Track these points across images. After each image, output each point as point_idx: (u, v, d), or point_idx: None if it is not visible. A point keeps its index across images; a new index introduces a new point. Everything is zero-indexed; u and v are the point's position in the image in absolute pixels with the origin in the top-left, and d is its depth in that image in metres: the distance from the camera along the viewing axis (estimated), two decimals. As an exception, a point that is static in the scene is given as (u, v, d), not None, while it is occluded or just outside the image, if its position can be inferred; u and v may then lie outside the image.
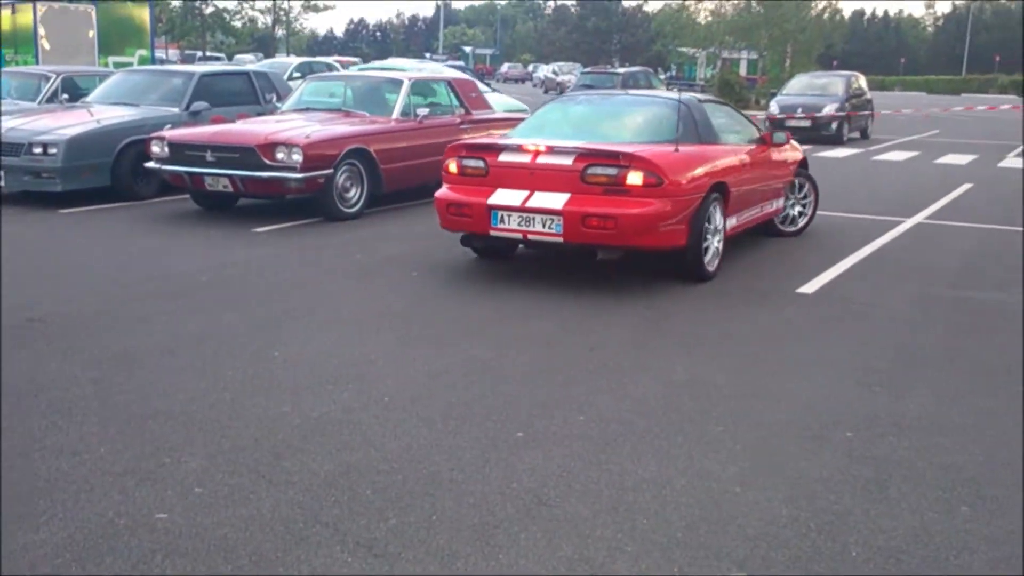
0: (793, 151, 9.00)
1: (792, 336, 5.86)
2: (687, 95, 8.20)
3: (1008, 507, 3.57)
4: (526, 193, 6.73)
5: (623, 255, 6.93)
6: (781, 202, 8.74)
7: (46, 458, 3.82)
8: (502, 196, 6.80)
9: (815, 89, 22.93)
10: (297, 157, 8.96)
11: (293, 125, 9.68)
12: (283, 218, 9.47)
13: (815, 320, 6.24)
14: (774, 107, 22.42)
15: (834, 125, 21.28)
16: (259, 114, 11.26)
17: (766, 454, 4.01)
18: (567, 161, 6.65)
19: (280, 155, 9.02)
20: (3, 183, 10.11)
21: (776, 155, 8.49)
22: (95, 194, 10.26)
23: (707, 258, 7.10)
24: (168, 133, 9.77)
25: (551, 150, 6.76)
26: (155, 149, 9.68)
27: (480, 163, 6.98)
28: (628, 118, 7.79)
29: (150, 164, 9.83)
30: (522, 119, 12.10)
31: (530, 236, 6.77)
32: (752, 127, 8.59)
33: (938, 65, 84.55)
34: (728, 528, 3.36)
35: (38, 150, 9.88)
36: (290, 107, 11.01)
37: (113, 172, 10.32)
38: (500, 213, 6.79)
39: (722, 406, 4.57)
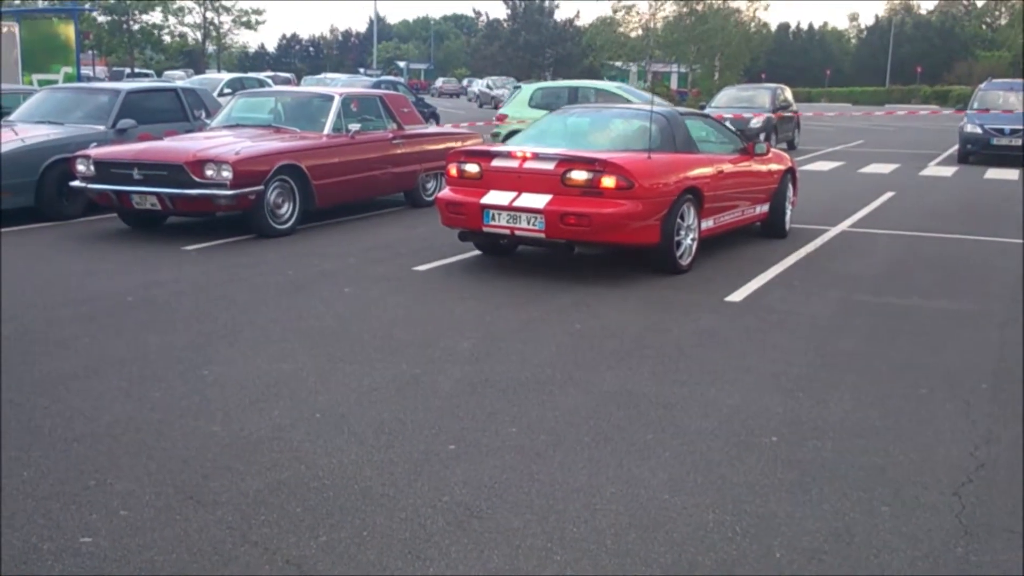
0: (778, 161, 9.81)
1: (719, 344, 5.96)
2: (670, 109, 9.24)
3: (926, 506, 3.67)
4: (514, 194, 7.53)
5: (601, 250, 7.84)
6: (765, 208, 9.43)
7: (-34, 485, 3.74)
8: (493, 197, 7.62)
9: (742, 101, 23.32)
10: (227, 174, 8.88)
11: (222, 142, 9.60)
12: (214, 236, 9.38)
13: (742, 328, 6.35)
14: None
15: (762, 136, 21.67)
16: (188, 131, 11.15)
17: (693, 460, 4.08)
18: (549, 166, 7.46)
19: (209, 172, 8.93)
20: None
21: (758, 164, 9.28)
22: (19, 215, 10.05)
23: (680, 254, 7.84)
24: (94, 151, 9.62)
25: (536, 156, 7.58)
26: (80, 168, 9.52)
27: (476, 167, 7.81)
28: (612, 129, 8.66)
29: (75, 183, 9.67)
30: (459, 135, 12.60)
31: (516, 232, 7.60)
32: (735, 139, 9.42)
33: (863, 77, 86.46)
34: (656, 534, 3.42)
35: (-42, 170, 9.65)
36: (220, 123, 10.93)
37: (37, 192, 10.13)
38: (491, 212, 7.61)
39: (650, 414, 4.63)
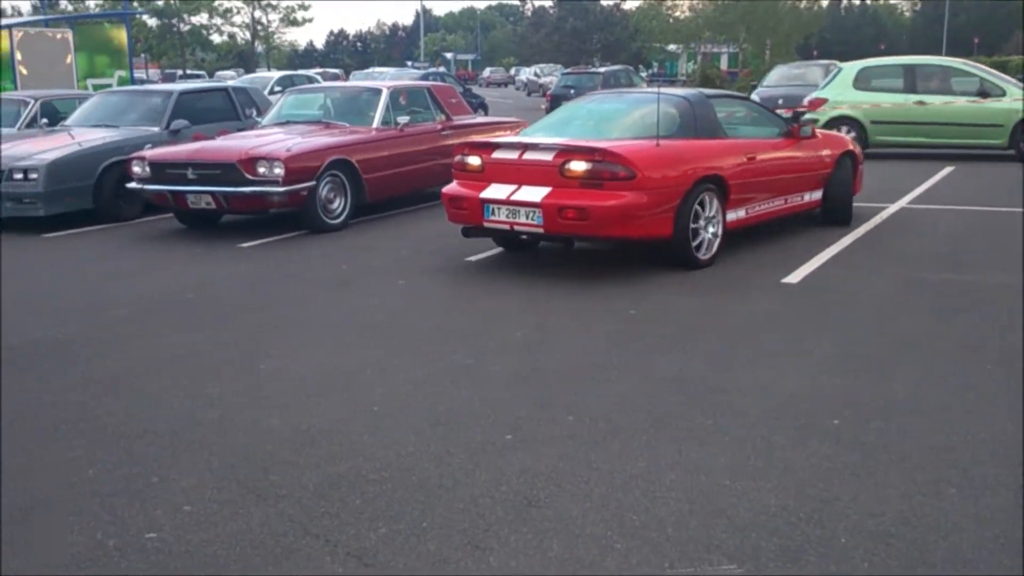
0: (833, 145, 9.14)
1: (777, 327, 5.88)
2: (695, 92, 8.47)
3: (995, 486, 3.58)
4: (514, 187, 7.16)
5: (603, 245, 7.34)
6: (816, 195, 8.84)
7: (35, 482, 3.82)
8: (493, 190, 7.27)
9: (795, 79, 22.91)
10: (279, 171, 8.96)
11: (274, 139, 9.68)
12: (268, 232, 9.47)
13: (799, 310, 6.26)
14: (755, 99, 22.43)
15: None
16: (239, 130, 11.26)
17: (754, 445, 4.02)
18: (548, 157, 7.05)
19: (262, 169, 9.01)
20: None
21: (805, 149, 8.65)
22: (78, 217, 10.24)
23: (698, 247, 7.34)
24: (149, 153, 9.75)
25: (535, 147, 7.20)
26: (136, 169, 9.67)
27: (478, 160, 7.48)
28: (629, 116, 8.10)
29: (132, 185, 9.82)
30: (507, 124, 12.30)
31: (516, 227, 7.22)
32: (778, 122, 8.82)
33: (918, 50, 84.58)
34: (718, 521, 3.37)
35: (19, 176, 9.86)
36: (270, 121, 11.01)
37: (95, 194, 10.30)
38: (491, 206, 7.26)
39: (708, 399, 4.58)
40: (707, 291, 6.78)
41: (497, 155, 7.37)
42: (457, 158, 7.68)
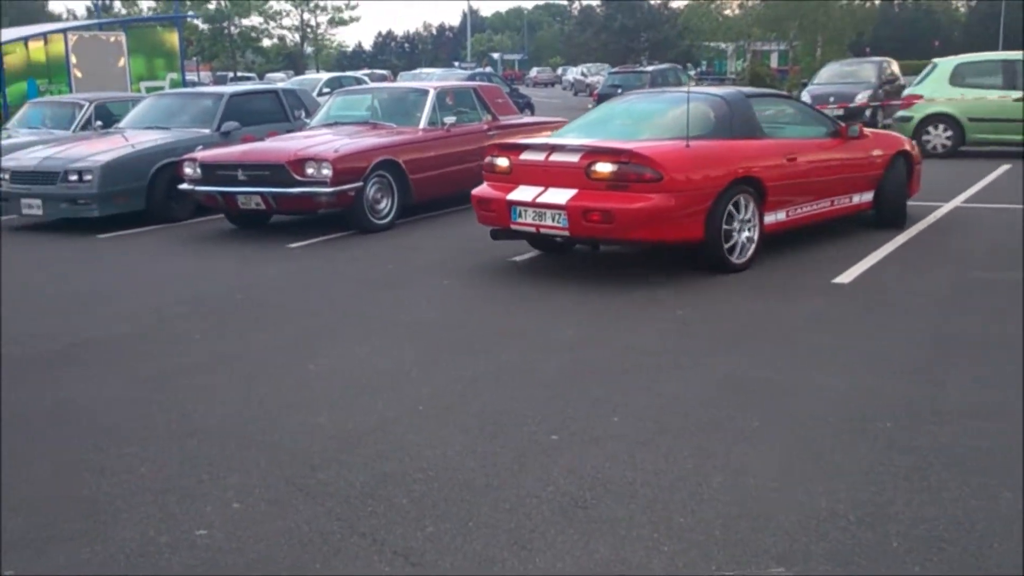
0: (885, 145, 8.81)
1: (828, 327, 5.80)
2: (733, 91, 8.25)
3: (1053, 491, 3.50)
4: (540, 189, 7.09)
5: (631, 248, 7.28)
6: (867, 196, 8.54)
7: (88, 478, 3.88)
8: (520, 192, 7.20)
9: (847, 77, 22.64)
10: (327, 172, 9.03)
11: (322, 140, 9.76)
12: (316, 233, 9.55)
13: (851, 310, 6.17)
14: (805, 97, 22.18)
15: (868, 113, 21.01)
16: (289, 131, 11.37)
17: (804, 447, 3.97)
18: (574, 159, 6.96)
19: (310, 170, 9.09)
20: (42, 211, 10.30)
21: (854, 149, 8.37)
22: (131, 218, 10.41)
23: (731, 250, 7.16)
24: (200, 154, 9.88)
25: (562, 148, 7.13)
26: (188, 171, 9.80)
27: (506, 161, 7.43)
28: (663, 116, 7.88)
29: (183, 186, 9.96)
30: (552, 124, 12.22)
31: (542, 230, 7.16)
32: (824, 121, 8.58)
33: (974, 46, 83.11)
34: (767, 524, 3.33)
35: (74, 177, 10.05)
36: (318, 122, 11.11)
37: (148, 195, 10.46)
38: (518, 208, 7.19)
39: (759, 401, 4.53)
40: (757, 291, 6.72)
41: (525, 156, 7.30)
42: (487, 160, 7.65)
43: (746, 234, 7.25)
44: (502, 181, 7.44)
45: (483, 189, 7.64)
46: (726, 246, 7.09)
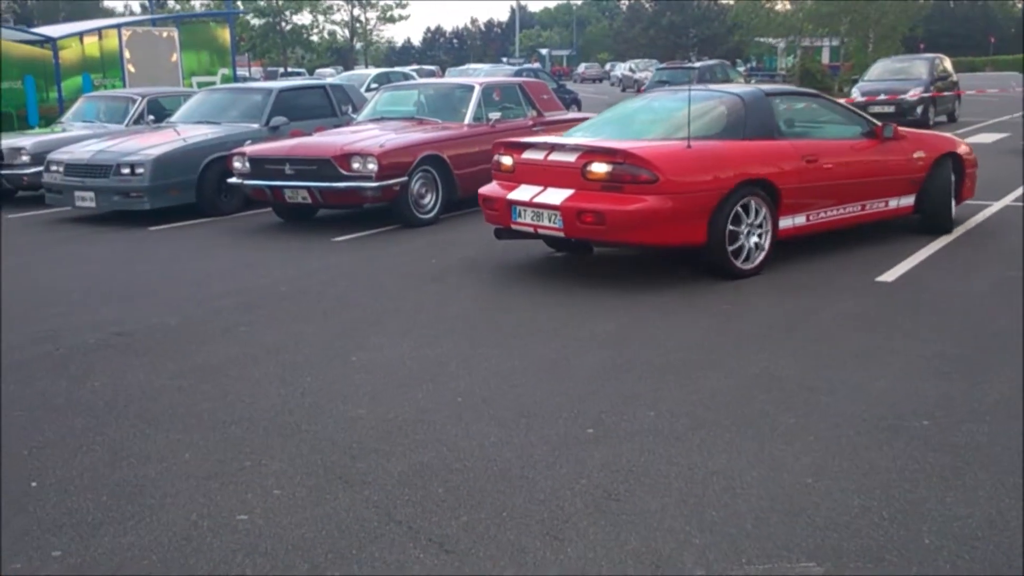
0: (930, 147, 8.34)
1: (869, 326, 5.77)
2: (751, 89, 8.05)
3: (1091, 492, 3.47)
4: (539, 189, 7.04)
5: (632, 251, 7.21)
6: (908, 200, 8.13)
7: (134, 465, 4.00)
8: (520, 192, 7.17)
9: (898, 73, 22.37)
10: (372, 166, 9.14)
11: (368, 135, 9.87)
12: (361, 227, 9.66)
13: (893, 309, 6.13)
14: (856, 93, 21.93)
15: (919, 109, 20.72)
16: (336, 126, 11.50)
17: (839, 445, 3.98)
18: (571, 158, 6.88)
19: (356, 165, 9.20)
20: (95, 204, 10.53)
21: (892, 151, 7.99)
22: (182, 211, 10.61)
23: (737, 255, 6.90)
24: (249, 149, 10.04)
25: (561, 148, 7.05)
26: (237, 165, 9.97)
27: (510, 160, 7.40)
28: (674, 115, 7.49)
29: (232, 180, 10.13)
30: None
31: (540, 230, 7.14)
32: (858, 120, 8.23)
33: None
34: (798, 519, 3.35)
35: (126, 170, 10.27)
36: (365, 117, 11.23)
37: (198, 189, 10.66)
38: (518, 208, 7.17)
39: (794, 398, 4.54)
40: (799, 288, 6.69)
41: (526, 156, 7.25)
42: (494, 158, 7.59)
43: (754, 239, 6.98)
44: (506, 180, 7.43)
45: (489, 187, 7.63)
46: (731, 250, 6.84)
